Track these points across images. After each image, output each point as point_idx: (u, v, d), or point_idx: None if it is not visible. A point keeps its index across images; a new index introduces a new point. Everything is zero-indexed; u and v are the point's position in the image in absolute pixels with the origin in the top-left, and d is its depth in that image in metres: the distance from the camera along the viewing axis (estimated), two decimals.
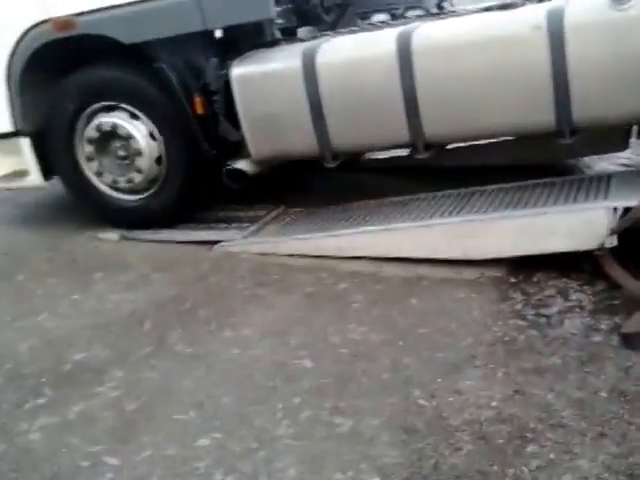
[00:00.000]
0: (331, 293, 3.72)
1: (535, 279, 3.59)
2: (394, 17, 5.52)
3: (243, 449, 2.62)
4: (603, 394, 2.69)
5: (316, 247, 4.07)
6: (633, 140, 4.42)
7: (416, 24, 4.04)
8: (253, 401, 2.89)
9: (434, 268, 3.77)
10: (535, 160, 4.57)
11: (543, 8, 3.60)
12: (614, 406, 2.61)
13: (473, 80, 3.72)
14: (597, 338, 3.06)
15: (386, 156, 4.97)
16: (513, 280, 3.61)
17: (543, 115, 3.62)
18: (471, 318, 3.32)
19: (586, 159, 5.06)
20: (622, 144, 4.50)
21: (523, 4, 3.82)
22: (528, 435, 2.51)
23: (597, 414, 2.58)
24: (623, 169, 4.84)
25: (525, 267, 3.66)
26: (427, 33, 3.92)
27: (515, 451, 2.44)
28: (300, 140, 4.25)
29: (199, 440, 2.70)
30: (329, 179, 5.28)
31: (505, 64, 3.63)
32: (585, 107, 3.53)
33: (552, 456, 2.39)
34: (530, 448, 2.45)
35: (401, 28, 4.00)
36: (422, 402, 2.75)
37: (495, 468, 2.37)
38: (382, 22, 5.05)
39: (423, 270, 3.78)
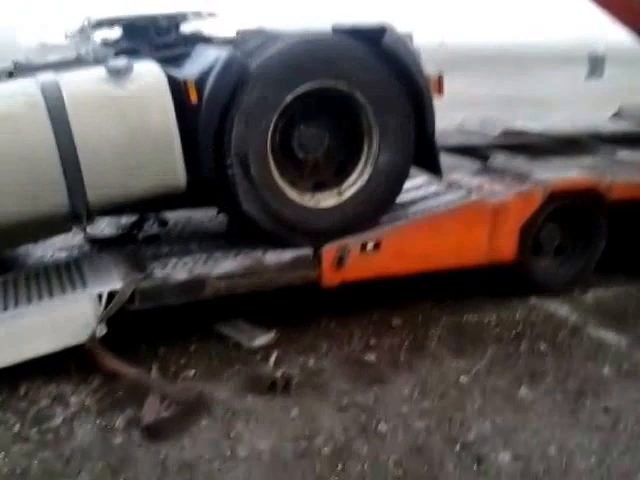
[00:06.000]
0: None
1: (22, 392, 3.12)
2: None
3: None
4: None
5: None
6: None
7: None
8: None
9: None
10: None
11: (34, 82, 3.14)
12: None
13: None
14: (118, 439, 2.80)
15: None
16: None
17: (55, 199, 3.14)
18: None
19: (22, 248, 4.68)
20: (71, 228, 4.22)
21: None
22: None
23: None
24: (64, 254, 4.62)
25: (2, 381, 3.13)
26: None
27: None
28: None
29: None
30: None
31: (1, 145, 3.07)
32: (101, 187, 3.21)
33: None
34: None
35: None
36: None
37: None
38: None
39: None
